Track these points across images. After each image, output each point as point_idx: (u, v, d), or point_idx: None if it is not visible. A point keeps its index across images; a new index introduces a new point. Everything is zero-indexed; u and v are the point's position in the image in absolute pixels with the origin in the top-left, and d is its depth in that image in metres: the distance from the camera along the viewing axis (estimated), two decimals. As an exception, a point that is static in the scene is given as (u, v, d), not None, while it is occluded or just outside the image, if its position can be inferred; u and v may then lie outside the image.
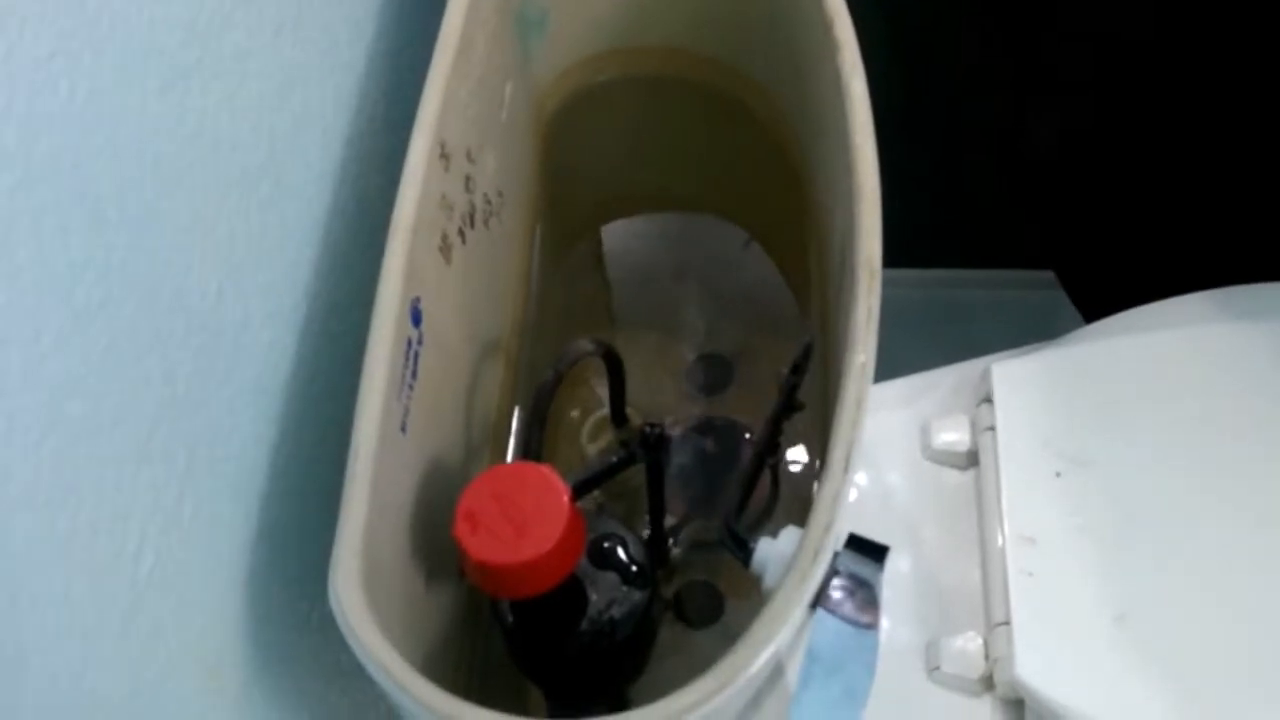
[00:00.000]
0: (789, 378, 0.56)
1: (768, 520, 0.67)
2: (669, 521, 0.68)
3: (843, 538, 0.47)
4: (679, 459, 0.72)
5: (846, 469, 0.46)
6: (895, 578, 0.71)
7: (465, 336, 0.61)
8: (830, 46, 0.59)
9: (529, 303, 0.70)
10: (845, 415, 0.47)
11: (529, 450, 0.55)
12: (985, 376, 0.78)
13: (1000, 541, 0.70)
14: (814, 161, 0.66)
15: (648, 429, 0.56)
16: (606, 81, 0.75)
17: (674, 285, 0.82)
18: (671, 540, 0.66)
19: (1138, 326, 0.78)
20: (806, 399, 0.62)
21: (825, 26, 0.59)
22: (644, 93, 0.75)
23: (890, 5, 1.01)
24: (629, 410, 0.63)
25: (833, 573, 0.46)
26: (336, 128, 0.60)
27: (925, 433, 0.78)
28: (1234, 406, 0.73)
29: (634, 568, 0.57)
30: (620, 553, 0.58)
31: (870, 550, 0.47)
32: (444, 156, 0.58)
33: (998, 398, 0.76)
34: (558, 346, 0.58)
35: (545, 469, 0.51)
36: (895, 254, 1.24)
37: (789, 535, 0.48)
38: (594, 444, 0.69)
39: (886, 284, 1.27)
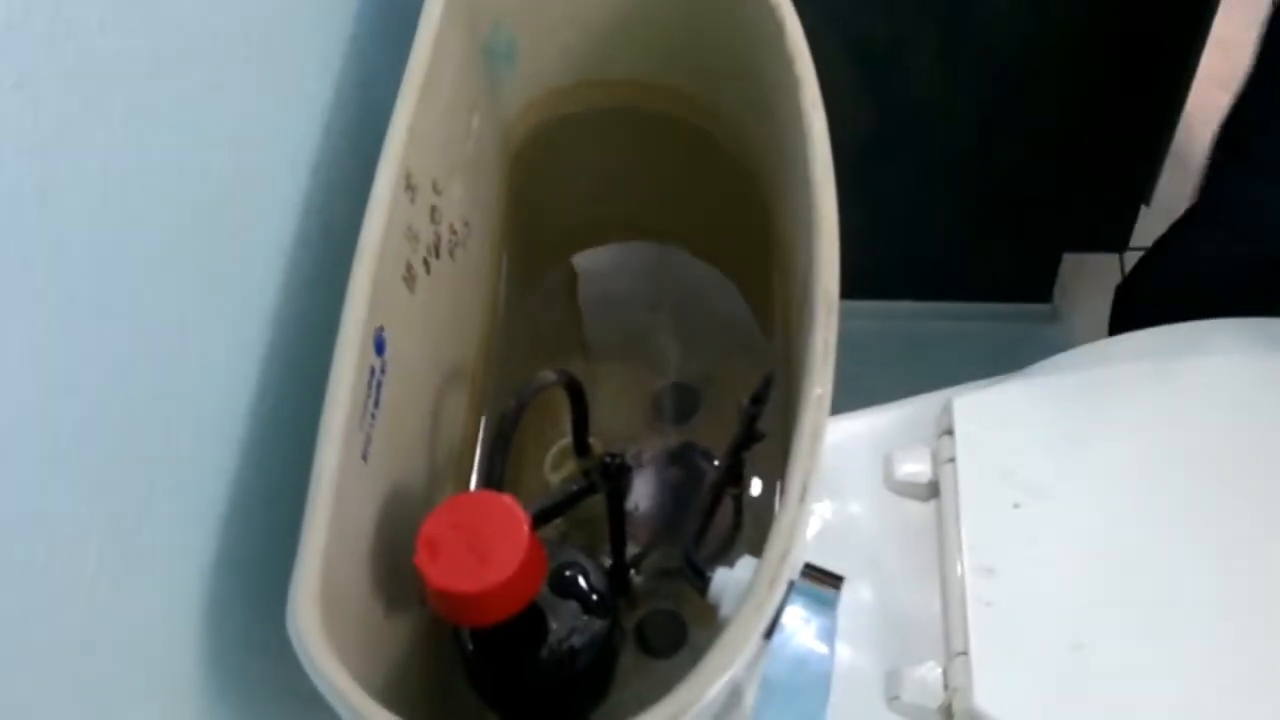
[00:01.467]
0: (749, 408, 0.57)
1: (730, 549, 0.67)
2: (633, 550, 0.68)
3: (799, 566, 0.48)
4: (644, 487, 0.73)
5: (803, 499, 0.47)
6: (856, 606, 0.71)
7: (429, 365, 0.61)
8: (791, 83, 0.60)
9: (495, 331, 0.71)
10: (802, 446, 0.48)
11: (491, 478, 0.55)
12: (947, 408, 0.78)
13: (959, 572, 0.71)
14: (778, 194, 0.67)
15: (608, 459, 0.56)
16: (574, 114, 0.76)
17: (644, 314, 0.83)
18: (634, 569, 0.66)
19: (1097, 360, 0.79)
20: (770, 429, 0.63)
21: (786, 63, 0.60)
22: (611, 124, 0.76)
23: (857, 42, 1.03)
24: (593, 439, 0.63)
25: (789, 601, 0.46)
26: (303, 158, 0.61)
27: (888, 463, 0.79)
28: (1192, 439, 0.74)
29: (595, 596, 0.58)
30: (581, 581, 0.58)
31: (827, 579, 0.47)
32: (410, 188, 0.59)
33: (958, 430, 0.76)
34: (527, 374, 0.59)
35: (506, 498, 0.51)
36: (863, 286, 1.26)
37: (746, 564, 0.48)
38: (557, 473, 0.70)
39: (853, 315, 1.28)
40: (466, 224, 0.67)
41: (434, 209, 0.62)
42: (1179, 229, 1.00)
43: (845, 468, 0.82)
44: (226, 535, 0.53)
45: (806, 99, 0.59)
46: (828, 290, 0.52)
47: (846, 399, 0.86)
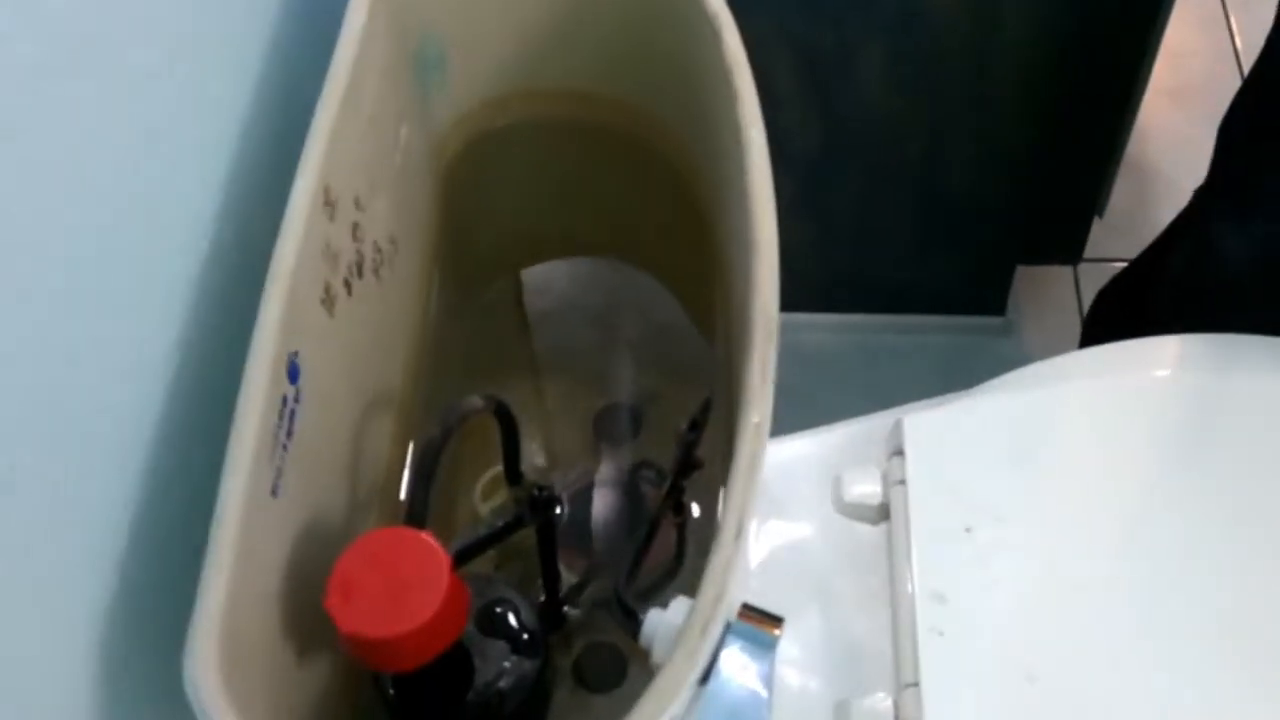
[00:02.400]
0: (686, 434, 0.54)
1: (672, 580, 0.65)
2: (570, 580, 0.65)
3: (736, 607, 0.45)
4: (581, 513, 0.70)
5: (738, 536, 0.44)
6: (803, 634, 0.69)
7: (350, 391, 0.58)
8: (730, 95, 0.57)
9: (425, 353, 0.67)
10: (738, 480, 0.45)
11: (414, 513, 0.52)
12: (897, 428, 0.76)
13: (910, 599, 0.68)
14: (719, 210, 0.65)
15: (536, 491, 0.53)
16: (509, 126, 0.73)
17: (588, 330, 0.80)
18: (571, 602, 0.63)
19: (1051, 377, 0.77)
20: (713, 454, 0.60)
21: (725, 74, 0.57)
22: (549, 136, 0.73)
23: (804, 51, 1.01)
24: (525, 467, 0.60)
25: (725, 644, 0.44)
26: (217, 171, 0.57)
27: (837, 485, 0.76)
28: (1149, 461, 0.72)
29: (525, 635, 0.55)
30: (511, 619, 0.55)
31: (766, 620, 0.45)
32: (329, 204, 0.55)
33: (909, 450, 0.74)
34: (461, 397, 0.56)
35: (424, 535, 0.48)
36: (812, 298, 1.24)
37: (678, 606, 0.46)
38: (488, 503, 0.67)
39: (802, 329, 1.25)
40: (393, 241, 0.63)
41: (356, 226, 0.58)
42: (1187, 222, 0.97)
43: (793, 489, 0.79)
44: (125, 575, 0.49)
45: (745, 113, 0.56)
46: (765, 311, 0.50)
47: (795, 415, 0.83)
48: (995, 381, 0.79)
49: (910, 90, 1.05)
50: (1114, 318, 1.05)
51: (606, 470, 0.73)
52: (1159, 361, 0.76)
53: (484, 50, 0.69)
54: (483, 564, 0.59)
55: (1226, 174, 0.88)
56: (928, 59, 1.01)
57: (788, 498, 0.79)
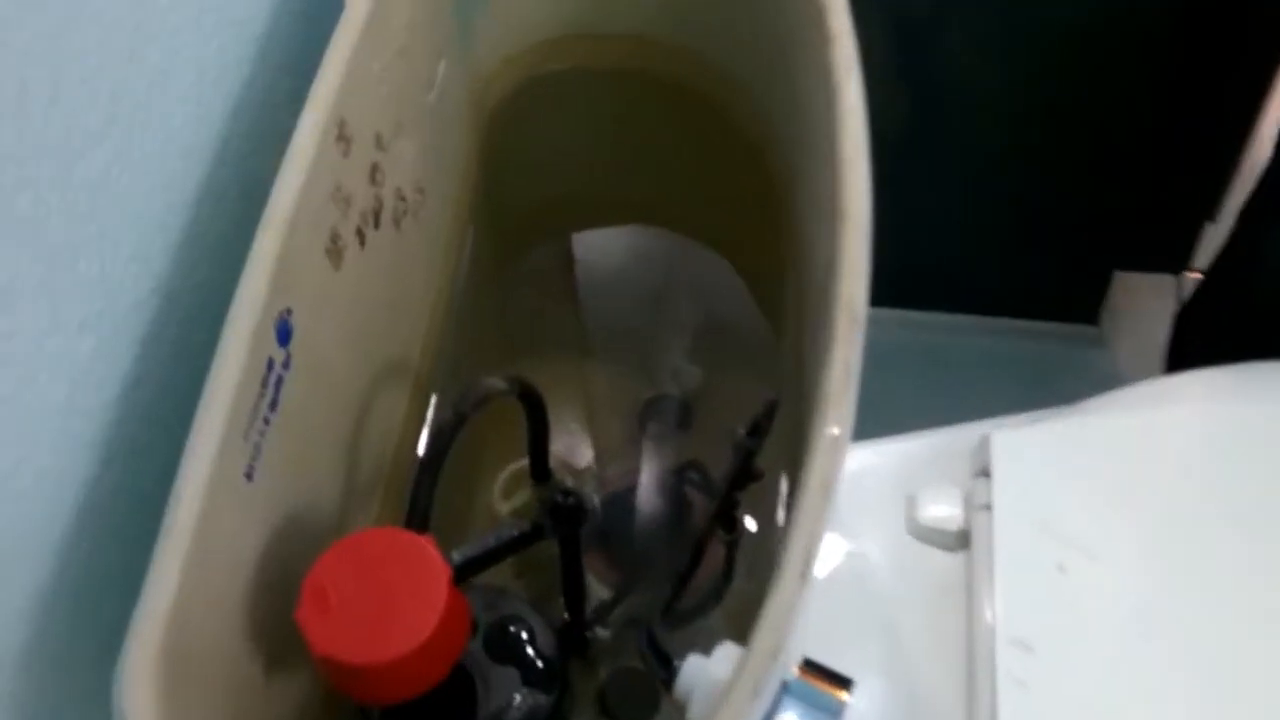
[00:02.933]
0: (745, 440, 0.45)
1: (715, 605, 0.56)
2: (601, 595, 0.57)
3: (795, 662, 0.36)
4: (617, 518, 0.61)
5: (804, 576, 0.35)
6: (863, 679, 0.60)
7: (356, 359, 0.50)
8: (821, 39, 0.48)
9: (451, 320, 0.59)
10: (807, 505, 0.36)
11: (415, 511, 0.44)
12: (984, 444, 0.67)
13: (990, 643, 0.59)
14: (795, 176, 0.56)
15: (560, 498, 0.45)
16: (562, 71, 0.64)
17: (633, 309, 0.71)
18: (599, 622, 0.54)
19: (1167, 398, 0.67)
20: (772, 461, 0.51)
21: (817, 14, 0.48)
22: (604, 86, 0.65)
23: (893, 15, 0.91)
24: (559, 461, 0.52)
25: (781, 707, 0.35)
26: (216, 97, 0.49)
27: (912, 505, 0.67)
28: (1268, 498, 0.62)
29: (540, 662, 0.46)
30: (524, 642, 0.46)
31: (831, 680, 0.36)
32: (343, 138, 0.47)
33: (996, 471, 0.65)
34: (492, 373, 0.48)
35: (422, 540, 0.40)
36: (887, 292, 1.14)
37: (724, 655, 0.37)
38: (509, 502, 0.58)
39: (876, 324, 1.14)
40: (420, 190, 0.55)
41: (375, 168, 0.50)
42: (1243, 237, 0.87)
43: (861, 505, 0.71)
44: (68, 562, 0.41)
45: (840, 60, 0.47)
46: (851, 300, 0.41)
47: (866, 422, 0.74)
48: (1097, 400, 0.70)
49: (1009, 68, 0.94)
50: (1180, 343, 0.95)
51: (649, 470, 0.64)
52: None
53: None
54: (499, 573, 0.51)
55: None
56: (1039, 38, 0.91)
57: (854, 514, 0.71)
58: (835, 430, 0.38)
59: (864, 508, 0.70)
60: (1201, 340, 0.92)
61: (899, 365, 1.14)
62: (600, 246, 0.74)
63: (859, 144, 0.45)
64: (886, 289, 1.16)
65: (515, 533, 0.44)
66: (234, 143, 0.50)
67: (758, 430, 0.45)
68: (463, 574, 0.42)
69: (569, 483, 0.48)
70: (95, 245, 0.42)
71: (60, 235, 0.40)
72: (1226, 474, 0.62)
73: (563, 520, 0.45)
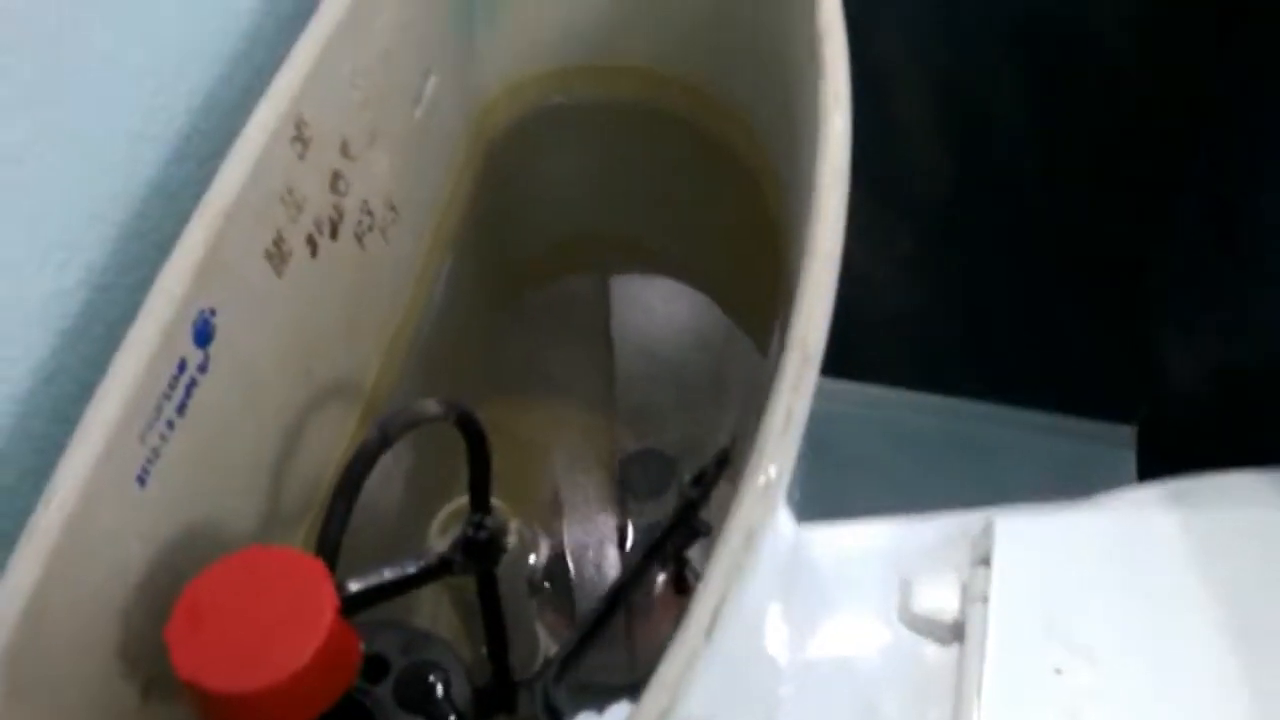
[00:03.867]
0: (689, 489, 0.42)
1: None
2: (552, 650, 0.53)
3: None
4: (584, 573, 0.57)
5: (708, 632, 0.31)
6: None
7: (294, 374, 0.47)
8: (814, 71, 0.45)
9: (417, 346, 0.56)
10: (725, 557, 0.32)
11: (326, 535, 0.40)
12: (987, 531, 0.62)
13: (975, 747, 0.54)
14: (794, 221, 0.52)
15: (472, 530, 0.41)
16: (567, 104, 0.62)
17: (627, 358, 0.68)
18: (543, 680, 0.50)
19: (1187, 499, 0.62)
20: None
21: (813, 45, 0.45)
22: (612, 122, 0.62)
23: (940, 79, 0.88)
24: (498, 502, 0.48)
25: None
26: (180, 87, 0.47)
27: (906, 591, 0.63)
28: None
29: (452, 717, 0.42)
30: (439, 694, 0.43)
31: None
32: (300, 139, 0.45)
33: (997, 561, 0.60)
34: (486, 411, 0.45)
35: (314, 564, 0.37)
36: (919, 375, 1.09)
37: (616, 714, 0.33)
38: (445, 539, 0.54)
39: (908, 409, 1.09)
40: (393, 207, 0.52)
41: (337, 175, 0.48)
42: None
43: (853, 585, 0.66)
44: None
45: (828, 91, 0.44)
46: (806, 337, 0.37)
47: (876, 500, 0.70)
48: (1114, 494, 0.65)
49: (1066, 140, 0.90)
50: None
51: (629, 526, 0.60)
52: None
53: (542, 7, 0.59)
54: (473, 625, 0.47)
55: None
56: (1091, 105, 0.87)
57: (845, 595, 0.66)
58: (768, 475, 0.34)
59: (856, 589, 0.65)
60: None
61: (922, 449, 1.09)
62: (594, 289, 0.72)
63: (838, 175, 0.41)
64: (917, 371, 1.12)
65: (418, 566, 0.41)
66: (196, 140, 0.48)
67: (703, 480, 0.42)
68: (356, 605, 0.38)
69: (498, 520, 0.44)
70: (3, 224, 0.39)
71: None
72: (1244, 584, 0.57)
73: (475, 556, 0.42)
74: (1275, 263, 0.66)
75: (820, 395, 1.13)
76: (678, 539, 0.44)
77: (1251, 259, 0.66)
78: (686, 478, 0.43)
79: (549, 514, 0.60)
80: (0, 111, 0.38)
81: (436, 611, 0.56)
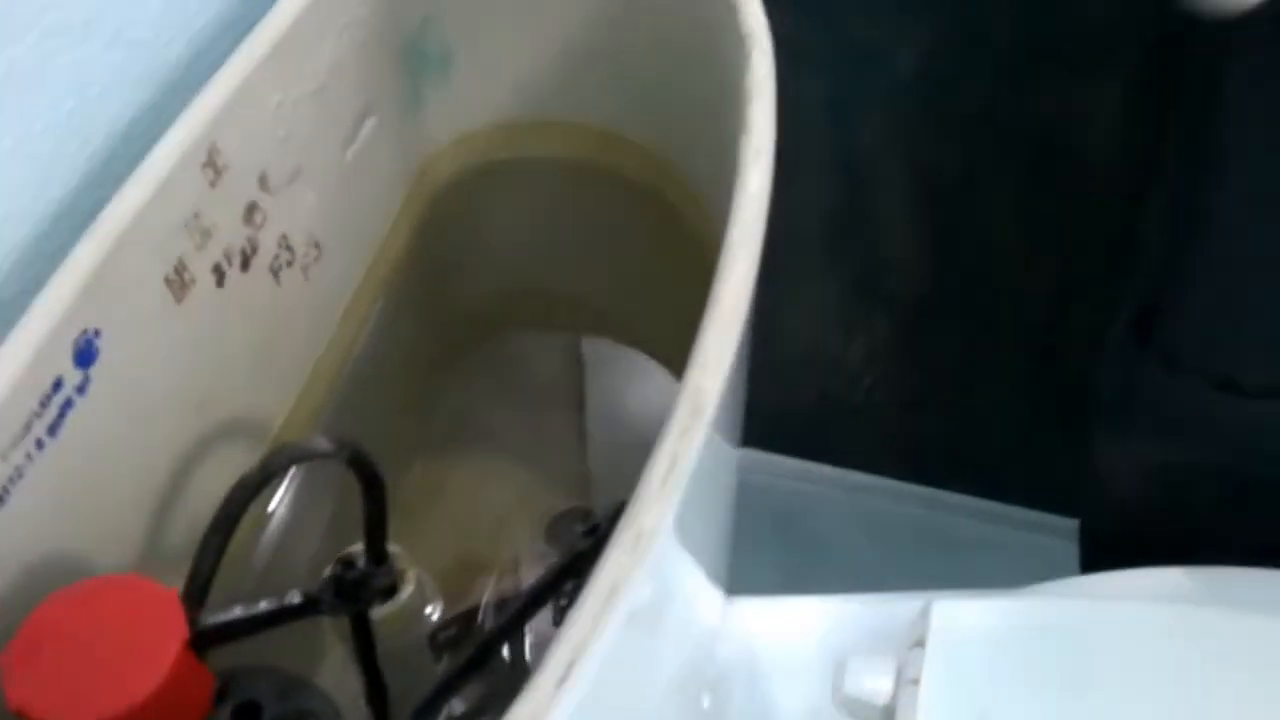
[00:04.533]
0: (580, 539, 0.40)
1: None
2: (458, 708, 0.51)
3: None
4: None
5: (562, 682, 0.29)
6: None
7: (189, 406, 0.45)
8: (744, 129, 0.44)
9: (337, 393, 0.55)
10: (586, 610, 0.31)
11: (198, 568, 0.39)
12: (924, 613, 0.60)
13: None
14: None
15: (341, 569, 0.40)
16: (518, 159, 0.61)
17: (564, 416, 0.67)
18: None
19: (1129, 589, 0.60)
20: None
21: (745, 103, 0.45)
22: (565, 178, 0.61)
23: (923, 170, 0.87)
24: (398, 549, 0.46)
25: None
26: (98, 112, 0.47)
27: (840, 671, 0.60)
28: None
29: (320, 771, 0.40)
30: (310, 746, 0.41)
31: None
32: (212, 166, 0.44)
33: (931, 644, 0.58)
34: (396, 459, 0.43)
35: (167, 594, 0.35)
36: (895, 464, 1.08)
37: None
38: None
39: (873, 493, 1.06)
40: (316, 245, 0.51)
41: (253, 208, 0.47)
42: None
43: (787, 666, 0.64)
44: None
45: (750, 147, 0.43)
46: (700, 388, 0.36)
47: (830, 582, 0.68)
48: (1054, 584, 0.63)
49: (1045, 238, 0.90)
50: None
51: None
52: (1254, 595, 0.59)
53: (500, 63, 0.58)
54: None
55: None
56: (1071, 203, 0.87)
57: (780, 673, 0.64)
58: (639, 527, 0.33)
59: (790, 667, 0.64)
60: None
61: (888, 536, 1.07)
62: (534, 347, 0.71)
63: (750, 230, 0.40)
64: (894, 460, 1.10)
65: (280, 604, 0.39)
66: (114, 165, 0.47)
67: (596, 531, 0.40)
68: (210, 640, 0.37)
69: (390, 567, 0.42)
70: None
71: None
72: (1181, 678, 0.55)
73: (344, 596, 0.40)
74: (1191, 360, 0.65)
75: (790, 475, 1.11)
76: (563, 591, 0.42)
77: (1173, 357, 0.65)
78: (579, 528, 0.41)
79: (472, 570, 0.59)
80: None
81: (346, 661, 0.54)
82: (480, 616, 0.54)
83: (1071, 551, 1.02)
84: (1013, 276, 0.93)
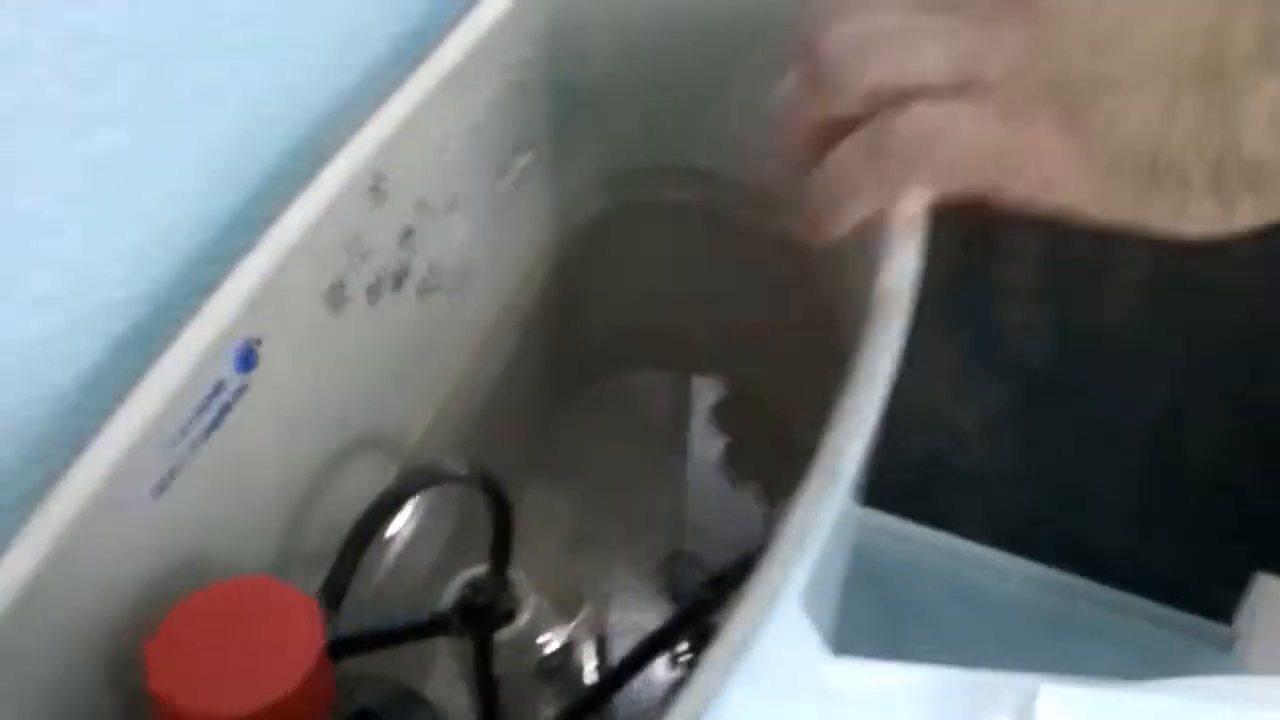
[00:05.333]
0: (703, 589, 0.40)
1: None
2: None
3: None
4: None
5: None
6: None
7: (332, 418, 0.47)
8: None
9: (472, 415, 0.56)
10: (711, 668, 0.31)
11: (332, 584, 0.40)
12: (1031, 695, 0.59)
13: None
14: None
15: (470, 593, 0.40)
16: (661, 202, 0.62)
17: (669, 451, 0.67)
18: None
19: (1253, 696, 0.58)
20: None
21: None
22: (707, 226, 0.62)
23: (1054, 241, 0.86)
24: (522, 575, 0.47)
25: None
26: (274, 124, 0.49)
27: (941, 746, 0.59)
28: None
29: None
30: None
31: None
32: (376, 190, 0.46)
33: (1037, 728, 0.57)
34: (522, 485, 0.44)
35: (305, 601, 0.36)
36: (998, 534, 1.06)
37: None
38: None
39: (979, 564, 1.04)
40: (463, 273, 0.53)
41: (409, 232, 0.48)
42: None
43: (880, 728, 0.63)
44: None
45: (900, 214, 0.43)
46: (838, 448, 0.36)
47: (927, 655, 0.67)
48: (1175, 681, 0.61)
49: (1171, 326, 0.88)
50: None
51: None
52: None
53: (644, 104, 0.59)
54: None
55: None
56: (1199, 289, 0.85)
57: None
58: (776, 582, 0.33)
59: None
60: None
61: (997, 612, 1.05)
62: (663, 388, 0.71)
63: (899, 291, 0.40)
64: (1003, 534, 1.08)
65: (407, 622, 0.40)
66: (282, 180, 0.49)
67: (721, 582, 0.40)
68: (342, 649, 0.38)
69: (514, 593, 0.43)
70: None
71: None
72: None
73: (472, 620, 0.41)
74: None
75: (893, 535, 1.10)
76: (685, 641, 0.42)
77: None
78: (698, 576, 0.42)
79: (578, 604, 0.59)
80: (103, 118, 0.40)
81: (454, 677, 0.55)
82: (580, 650, 0.55)
83: (1190, 648, 0.99)
84: (1139, 359, 0.91)
